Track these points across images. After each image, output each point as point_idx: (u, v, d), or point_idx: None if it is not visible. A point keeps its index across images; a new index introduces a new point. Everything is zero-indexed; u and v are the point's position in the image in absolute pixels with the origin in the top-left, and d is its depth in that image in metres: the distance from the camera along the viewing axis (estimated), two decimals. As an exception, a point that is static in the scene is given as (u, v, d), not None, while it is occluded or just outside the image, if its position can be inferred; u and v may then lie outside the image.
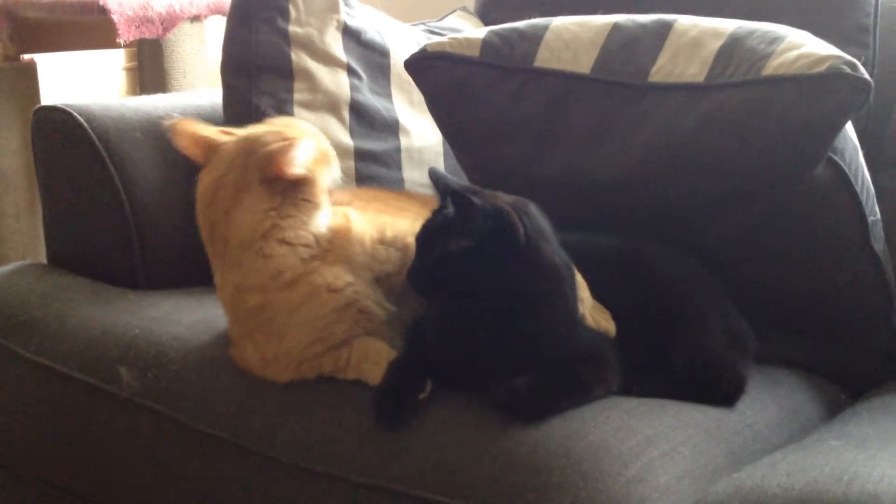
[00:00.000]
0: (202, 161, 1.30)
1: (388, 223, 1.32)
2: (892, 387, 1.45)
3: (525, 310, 1.17)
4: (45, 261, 1.70)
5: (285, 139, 1.24)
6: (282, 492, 1.22)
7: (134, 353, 1.39)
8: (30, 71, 2.36)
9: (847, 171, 1.37)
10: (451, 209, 1.19)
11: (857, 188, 1.39)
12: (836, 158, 1.36)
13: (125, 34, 2.22)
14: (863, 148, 1.46)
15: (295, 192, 1.24)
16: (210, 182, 1.26)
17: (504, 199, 1.22)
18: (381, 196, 1.45)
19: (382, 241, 1.30)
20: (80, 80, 2.65)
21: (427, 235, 1.20)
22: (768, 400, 1.35)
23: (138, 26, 2.26)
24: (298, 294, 1.23)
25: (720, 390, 1.29)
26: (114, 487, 1.38)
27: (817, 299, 1.46)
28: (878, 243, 1.45)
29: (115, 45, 2.27)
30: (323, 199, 1.27)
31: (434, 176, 1.24)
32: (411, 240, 1.25)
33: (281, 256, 1.23)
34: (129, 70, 2.80)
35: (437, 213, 1.22)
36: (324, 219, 1.27)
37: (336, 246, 1.27)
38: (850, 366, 1.50)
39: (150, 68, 2.41)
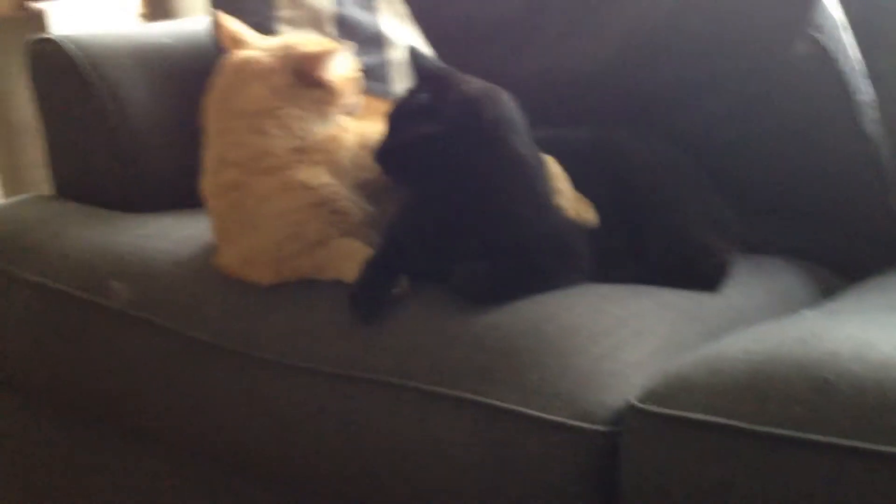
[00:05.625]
0: None
1: (372, 129, 1.32)
2: (892, 273, 1.43)
3: (489, 198, 1.17)
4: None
5: (327, 47, 1.29)
6: (264, 389, 1.24)
7: (125, 267, 1.41)
8: (39, 20, 2.39)
9: (828, 46, 1.34)
10: (424, 93, 1.18)
11: (841, 65, 1.36)
12: (816, 35, 1.33)
13: (127, -24, 2.24)
14: (857, 29, 1.42)
15: (318, 94, 1.27)
16: (241, 59, 1.30)
17: (476, 85, 1.22)
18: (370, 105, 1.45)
19: (365, 147, 1.31)
20: (93, 27, 2.68)
21: (398, 116, 1.21)
22: (756, 285, 1.34)
23: (141, -33, 2.27)
24: (273, 184, 1.25)
25: (701, 275, 1.28)
26: (111, 398, 1.41)
27: (808, 182, 1.44)
28: (871, 124, 1.42)
29: (120, -11, 2.30)
30: (333, 113, 1.30)
31: (413, 54, 1.24)
32: None
33: (273, 137, 1.25)
34: (144, 17, 2.83)
35: (411, 94, 1.22)
36: (322, 128, 1.29)
37: (324, 149, 1.29)
38: (848, 252, 1.48)
39: (159, 9, 2.43)
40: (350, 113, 1.34)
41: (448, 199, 1.18)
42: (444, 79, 1.20)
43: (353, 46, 1.31)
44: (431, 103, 1.17)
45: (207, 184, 1.32)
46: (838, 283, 1.44)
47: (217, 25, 1.38)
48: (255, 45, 1.34)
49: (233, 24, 1.38)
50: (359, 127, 1.34)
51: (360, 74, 1.36)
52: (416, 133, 1.17)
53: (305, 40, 1.36)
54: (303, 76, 1.27)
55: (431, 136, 1.16)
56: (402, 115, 1.21)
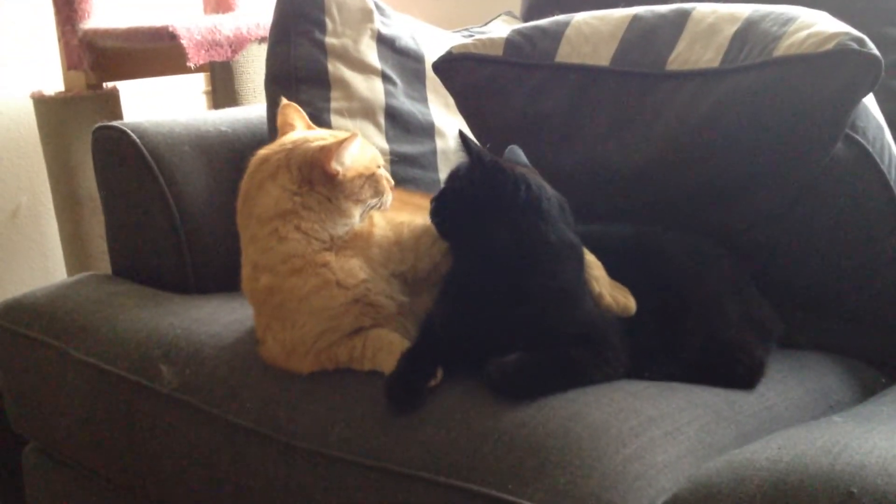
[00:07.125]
0: None
1: (407, 224, 1.36)
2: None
3: (519, 279, 1.20)
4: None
5: (337, 139, 1.30)
6: (300, 476, 1.26)
7: (174, 351, 1.46)
8: (113, 98, 2.47)
9: (870, 149, 1.35)
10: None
11: (884, 166, 1.36)
12: (858, 137, 1.34)
13: (194, 58, 2.32)
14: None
15: (325, 190, 1.29)
16: (260, 156, 1.34)
17: (520, 168, 1.28)
18: (401, 196, 1.48)
19: (398, 243, 1.34)
20: (162, 106, 2.79)
21: (453, 172, 1.30)
22: (793, 383, 1.33)
23: (207, 50, 2.35)
24: (307, 284, 1.28)
25: (735, 373, 1.29)
26: (156, 477, 1.45)
27: (851, 279, 1.43)
28: (914, 223, 1.41)
29: (187, 70, 2.38)
30: (351, 209, 1.31)
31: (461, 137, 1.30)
32: (425, 238, 1.32)
33: (293, 241, 1.28)
34: (208, 94, 2.92)
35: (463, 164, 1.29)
36: (343, 226, 1.31)
37: (355, 245, 1.32)
38: (890, 348, 1.47)
39: (223, 90, 2.51)
40: (379, 207, 1.35)
41: (479, 284, 1.22)
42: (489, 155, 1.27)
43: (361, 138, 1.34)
44: (473, 168, 1.25)
45: (247, 287, 1.36)
46: (881, 381, 1.43)
47: (280, 111, 1.41)
48: (283, 140, 1.36)
49: (291, 112, 1.41)
50: (387, 219, 1.36)
51: (381, 170, 1.36)
52: (453, 184, 1.26)
53: (320, 135, 1.36)
54: (307, 173, 1.29)
55: (465, 192, 1.24)
56: (455, 172, 1.29)
